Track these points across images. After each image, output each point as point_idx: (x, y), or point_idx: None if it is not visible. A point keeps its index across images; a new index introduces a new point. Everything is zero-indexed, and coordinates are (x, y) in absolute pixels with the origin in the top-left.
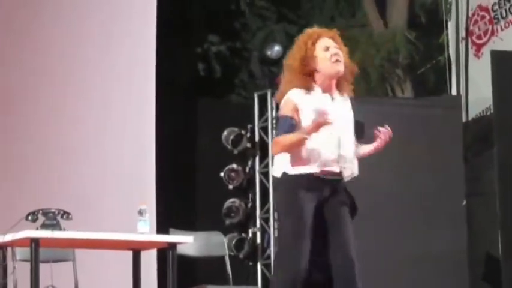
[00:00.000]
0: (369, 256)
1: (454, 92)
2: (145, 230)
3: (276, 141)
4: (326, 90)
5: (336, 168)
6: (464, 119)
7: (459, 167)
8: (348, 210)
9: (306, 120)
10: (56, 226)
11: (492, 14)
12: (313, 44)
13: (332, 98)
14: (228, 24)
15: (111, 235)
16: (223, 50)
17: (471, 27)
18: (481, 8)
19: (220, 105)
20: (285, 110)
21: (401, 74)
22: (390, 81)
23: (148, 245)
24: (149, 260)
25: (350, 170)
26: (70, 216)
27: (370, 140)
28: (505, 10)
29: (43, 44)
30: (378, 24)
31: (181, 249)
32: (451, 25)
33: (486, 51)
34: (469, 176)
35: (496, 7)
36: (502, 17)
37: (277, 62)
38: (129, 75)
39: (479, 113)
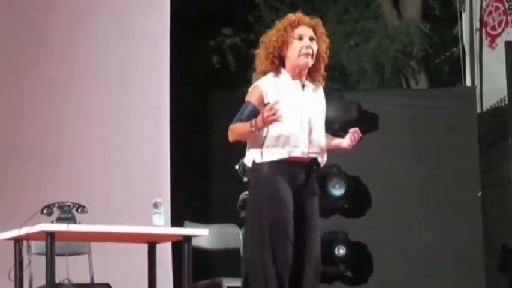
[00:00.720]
0: (385, 246)
1: (468, 83)
2: (161, 223)
3: (231, 129)
4: (296, 77)
5: (306, 154)
6: (478, 110)
7: (474, 157)
8: (317, 200)
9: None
10: (71, 219)
11: (506, 5)
12: (291, 30)
13: (303, 86)
14: (242, 17)
15: (126, 228)
16: (238, 42)
17: (485, 18)
18: None
19: (235, 97)
20: (251, 96)
21: (416, 65)
22: (405, 72)
23: (163, 238)
24: (164, 253)
25: (321, 157)
26: (85, 209)
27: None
28: None
29: (57, 36)
30: (392, 16)
31: (196, 242)
32: (465, 16)
33: (500, 42)
34: (484, 167)
35: None
36: None
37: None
38: (143, 68)
39: (494, 104)
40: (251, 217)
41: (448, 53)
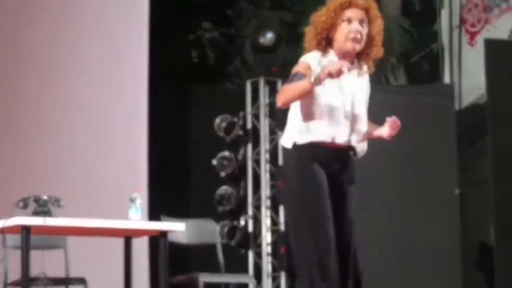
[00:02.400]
0: (362, 243)
1: (447, 80)
2: (137, 217)
3: (282, 90)
4: (344, 58)
5: (347, 141)
6: (457, 107)
7: (452, 155)
8: (355, 187)
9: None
10: (47, 213)
11: (486, 2)
12: (340, 11)
13: (348, 69)
14: (222, 11)
15: (103, 222)
16: (217, 36)
17: (465, 16)
18: None
19: (213, 92)
20: (297, 67)
21: (395, 62)
22: (384, 69)
23: (139, 232)
24: (141, 247)
25: (362, 145)
26: (62, 203)
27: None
28: None
29: (33, 32)
30: None
31: (172, 237)
32: (444, 13)
33: (480, 40)
34: (462, 165)
35: None
36: (496, 5)
37: (271, 50)
38: (122, 62)
39: (473, 101)
40: (291, 205)
41: (427, 50)
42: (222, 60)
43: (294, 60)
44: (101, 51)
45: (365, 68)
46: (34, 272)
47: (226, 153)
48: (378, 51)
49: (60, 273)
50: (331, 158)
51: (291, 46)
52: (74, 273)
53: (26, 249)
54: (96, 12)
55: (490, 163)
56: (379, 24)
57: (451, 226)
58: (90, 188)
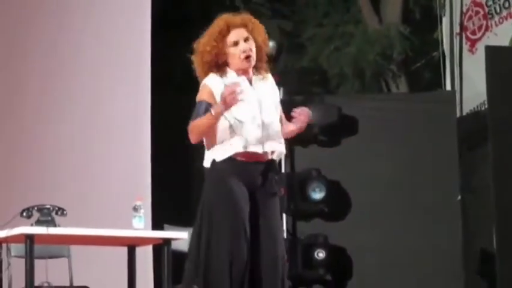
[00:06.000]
0: (364, 251)
1: (448, 87)
2: (140, 226)
3: (191, 128)
4: (242, 74)
5: (261, 150)
6: (458, 114)
7: (453, 162)
8: (278, 200)
9: None
10: (50, 222)
11: (486, 9)
12: (222, 38)
13: (250, 81)
14: None
15: (106, 231)
16: None
17: (465, 23)
18: (475, 3)
19: None
20: (202, 95)
21: (396, 69)
22: (385, 77)
23: (143, 241)
24: (145, 256)
25: (278, 150)
26: (65, 212)
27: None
28: (499, 5)
29: (33, 40)
30: (372, 20)
31: (176, 245)
32: (445, 20)
33: (480, 47)
34: (463, 171)
35: (490, 2)
36: (496, 13)
37: (272, 58)
38: (125, 71)
39: (474, 108)
40: (203, 220)
41: (428, 57)
42: None
43: (295, 68)
44: (104, 60)
45: (263, 71)
46: (38, 280)
47: None
48: (267, 52)
49: (64, 282)
50: (252, 172)
51: (292, 54)
52: (77, 282)
53: (30, 258)
54: (98, 22)
55: (491, 169)
56: (260, 29)
57: (452, 232)
58: (93, 197)
